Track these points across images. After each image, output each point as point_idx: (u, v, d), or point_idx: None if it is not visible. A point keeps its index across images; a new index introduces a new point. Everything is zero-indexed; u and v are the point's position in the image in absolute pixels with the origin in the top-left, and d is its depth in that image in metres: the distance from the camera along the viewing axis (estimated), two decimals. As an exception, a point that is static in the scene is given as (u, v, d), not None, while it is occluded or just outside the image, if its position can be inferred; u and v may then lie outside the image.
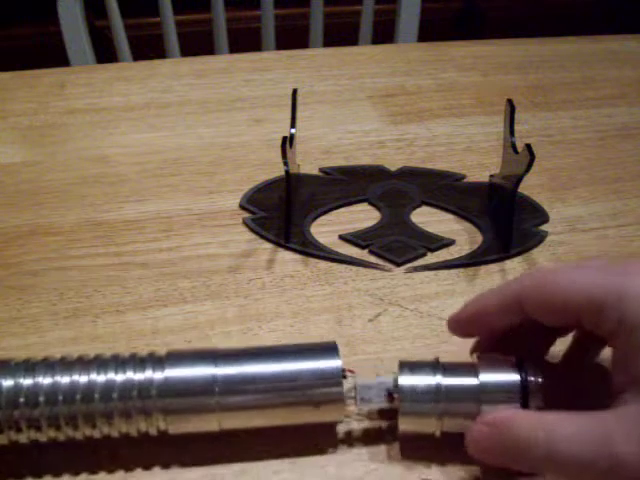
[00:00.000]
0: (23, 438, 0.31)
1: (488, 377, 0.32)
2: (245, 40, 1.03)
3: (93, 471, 0.32)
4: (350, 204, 0.52)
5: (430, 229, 0.49)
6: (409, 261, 0.46)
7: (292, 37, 1.07)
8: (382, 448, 0.33)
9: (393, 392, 0.32)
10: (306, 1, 1.05)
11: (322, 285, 0.44)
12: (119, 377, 0.31)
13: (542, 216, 0.51)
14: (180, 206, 0.51)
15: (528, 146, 0.44)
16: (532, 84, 0.72)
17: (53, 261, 0.45)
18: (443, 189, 0.54)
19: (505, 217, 0.47)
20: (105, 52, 1.07)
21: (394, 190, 0.53)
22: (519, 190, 0.46)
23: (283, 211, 0.47)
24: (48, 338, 0.39)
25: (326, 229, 0.49)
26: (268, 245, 0.47)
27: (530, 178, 0.46)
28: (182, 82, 0.70)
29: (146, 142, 0.59)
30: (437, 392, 0.31)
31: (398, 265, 0.46)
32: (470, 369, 0.32)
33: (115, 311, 0.41)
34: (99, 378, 0.31)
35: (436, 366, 0.32)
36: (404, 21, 1.02)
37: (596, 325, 0.29)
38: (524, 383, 0.31)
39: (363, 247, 0.47)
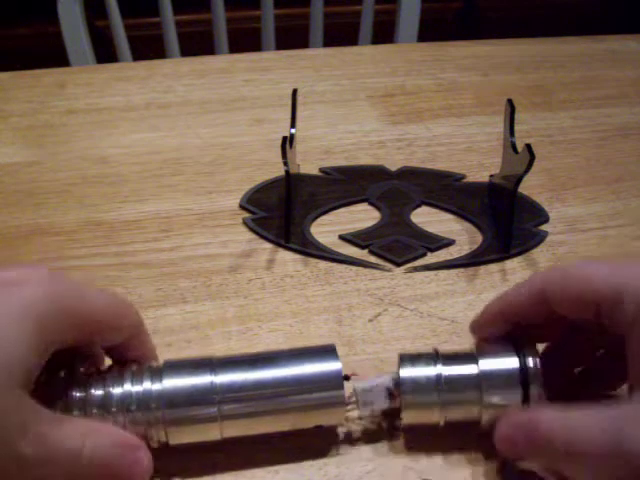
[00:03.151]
0: None
1: (488, 364, 0.32)
2: (245, 40, 1.03)
3: None
4: (350, 204, 0.52)
5: (430, 229, 0.49)
6: (409, 261, 0.46)
7: (292, 37, 1.07)
8: (382, 448, 0.33)
9: (393, 390, 0.33)
10: (306, 1, 1.05)
11: (322, 285, 0.44)
12: (117, 390, 0.30)
13: (542, 216, 0.51)
14: (180, 206, 0.51)
15: (528, 146, 0.44)
16: (532, 84, 0.72)
17: (53, 261, 0.45)
18: (443, 189, 0.54)
19: (505, 217, 0.47)
20: (105, 52, 1.07)
21: (394, 190, 0.53)
22: (519, 190, 0.46)
23: (283, 211, 0.47)
24: (48, 338, 0.39)
25: (326, 229, 0.49)
26: (268, 245, 0.47)
27: (530, 178, 0.46)
28: (182, 82, 0.70)
29: (146, 142, 0.59)
30: (438, 383, 0.32)
31: (398, 265, 0.46)
32: (469, 357, 0.33)
33: (115, 311, 0.41)
34: (96, 392, 0.30)
35: (436, 357, 0.33)
36: (404, 21, 1.02)
37: (615, 312, 0.29)
38: (523, 368, 0.32)
39: (363, 247, 0.47)
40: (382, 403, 0.33)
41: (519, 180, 0.45)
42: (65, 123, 0.62)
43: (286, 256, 0.46)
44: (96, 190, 0.53)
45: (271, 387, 0.31)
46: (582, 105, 0.68)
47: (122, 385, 0.31)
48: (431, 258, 0.46)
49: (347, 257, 0.46)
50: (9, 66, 0.75)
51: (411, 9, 1.01)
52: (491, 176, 0.54)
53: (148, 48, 1.08)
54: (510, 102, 0.49)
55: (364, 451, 0.33)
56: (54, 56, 0.92)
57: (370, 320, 0.41)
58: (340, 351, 0.33)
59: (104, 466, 0.29)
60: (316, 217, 0.50)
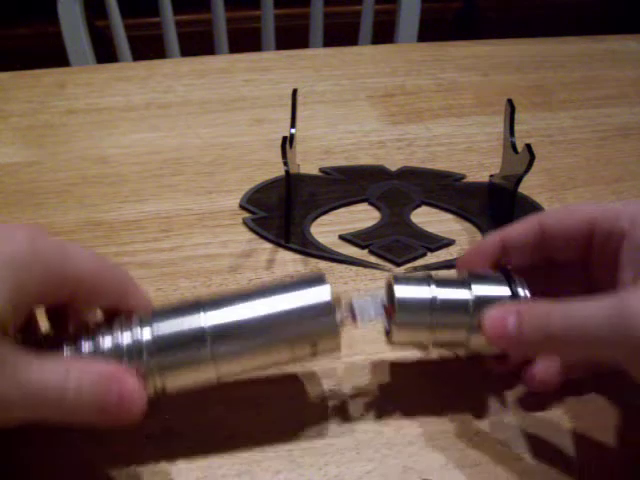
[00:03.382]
0: None
1: (480, 289, 0.33)
2: (245, 40, 1.03)
3: (91, 473, 0.32)
4: (350, 204, 0.52)
5: (430, 229, 0.49)
6: (409, 261, 0.46)
7: (292, 37, 1.07)
8: (382, 448, 0.33)
9: (387, 305, 0.33)
10: (306, 1, 1.05)
11: (322, 285, 0.44)
12: (107, 341, 0.30)
13: (542, 216, 0.51)
14: (180, 206, 0.51)
15: (528, 146, 0.44)
16: (532, 84, 0.72)
17: (53, 261, 0.45)
18: (443, 189, 0.54)
19: (505, 217, 0.47)
20: (105, 52, 1.07)
21: (394, 190, 0.53)
22: (519, 190, 0.46)
23: (283, 211, 0.47)
24: (48, 338, 0.39)
25: (326, 229, 0.49)
26: (268, 245, 0.47)
27: (530, 178, 0.46)
28: (182, 82, 0.70)
29: (146, 142, 0.59)
30: (432, 303, 0.32)
31: (398, 265, 0.46)
32: (462, 282, 0.33)
33: (115, 311, 0.41)
34: (87, 345, 0.30)
35: (430, 279, 0.33)
36: (404, 21, 1.02)
37: (610, 227, 0.32)
38: (514, 295, 0.33)
39: (363, 247, 0.47)
40: (378, 314, 0.33)
41: (519, 180, 0.45)
42: (65, 123, 0.62)
43: (286, 256, 0.46)
44: (96, 190, 0.53)
45: (261, 323, 0.31)
46: (582, 105, 0.68)
47: (112, 335, 0.30)
48: (431, 258, 0.46)
49: (347, 257, 0.46)
50: (9, 66, 0.75)
51: (411, 9, 1.01)
52: (491, 176, 0.54)
53: (148, 48, 1.08)
54: (510, 102, 0.49)
55: (364, 451, 0.33)
56: (54, 56, 0.92)
57: (370, 320, 0.41)
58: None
59: (92, 401, 0.28)
60: (316, 217, 0.50)
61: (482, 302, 0.32)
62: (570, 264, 0.34)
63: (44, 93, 0.67)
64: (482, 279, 0.33)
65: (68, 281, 0.29)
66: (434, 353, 0.38)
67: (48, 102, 0.65)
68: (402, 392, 0.36)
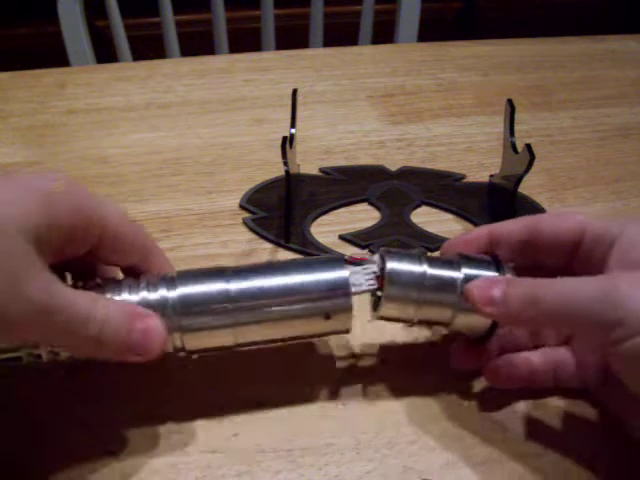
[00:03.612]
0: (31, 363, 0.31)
1: (469, 271, 0.33)
2: (245, 40, 1.03)
3: (91, 468, 0.32)
4: (350, 204, 0.52)
5: (430, 229, 0.49)
6: (409, 261, 0.46)
7: (292, 37, 1.07)
8: (382, 448, 0.33)
9: (380, 274, 0.33)
10: (306, 1, 1.05)
11: (322, 285, 0.44)
12: (133, 297, 0.31)
13: (542, 216, 0.51)
14: (180, 206, 0.51)
15: (528, 146, 0.44)
16: (532, 84, 0.72)
17: (53, 261, 0.45)
18: (443, 189, 0.54)
19: (505, 217, 0.47)
20: (105, 52, 1.06)
21: (394, 190, 0.53)
22: (519, 190, 0.46)
23: (283, 211, 0.47)
24: (48, 338, 0.39)
25: (326, 229, 0.49)
26: (268, 245, 0.47)
27: (530, 178, 0.46)
28: (182, 82, 0.70)
29: (146, 142, 0.59)
30: (422, 279, 0.33)
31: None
32: (452, 263, 0.34)
33: (115, 311, 0.41)
34: (114, 299, 0.31)
35: (421, 256, 0.34)
36: (404, 21, 1.02)
37: (601, 233, 0.33)
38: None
39: (363, 247, 0.47)
40: (370, 285, 0.33)
41: (519, 180, 0.45)
42: (65, 123, 0.62)
43: (286, 256, 0.46)
44: (96, 190, 0.53)
45: (280, 294, 0.32)
46: (582, 105, 0.68)
47: (137, 293, 0.31)
48: (431, 258, 0.46)
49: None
50: (9, 66, 0.74)
51: (411, 9, 1.01)
52: (491, 176, 0.54)
53: (148, 48, 1.08)
54: (510, 102, 0.49)
55: (364, 451, 0.33)
56: (54, 56, 0.92)
57: (370, 320, 0.41)
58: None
59: (116, 335, 0.29)
60: (316, 217, 0.50)
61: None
62: (551, 270, 0.35)
63: (44, 93, 0.67)
64: (472, 261, 0.34)
65: (95, 221, 0.31)
66: (435, 350, 0.38)
67: (48, 102, 0.65)
68: (403, 392, 0.36)
